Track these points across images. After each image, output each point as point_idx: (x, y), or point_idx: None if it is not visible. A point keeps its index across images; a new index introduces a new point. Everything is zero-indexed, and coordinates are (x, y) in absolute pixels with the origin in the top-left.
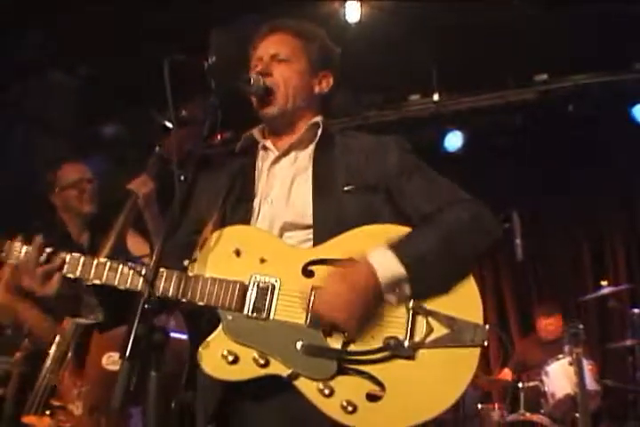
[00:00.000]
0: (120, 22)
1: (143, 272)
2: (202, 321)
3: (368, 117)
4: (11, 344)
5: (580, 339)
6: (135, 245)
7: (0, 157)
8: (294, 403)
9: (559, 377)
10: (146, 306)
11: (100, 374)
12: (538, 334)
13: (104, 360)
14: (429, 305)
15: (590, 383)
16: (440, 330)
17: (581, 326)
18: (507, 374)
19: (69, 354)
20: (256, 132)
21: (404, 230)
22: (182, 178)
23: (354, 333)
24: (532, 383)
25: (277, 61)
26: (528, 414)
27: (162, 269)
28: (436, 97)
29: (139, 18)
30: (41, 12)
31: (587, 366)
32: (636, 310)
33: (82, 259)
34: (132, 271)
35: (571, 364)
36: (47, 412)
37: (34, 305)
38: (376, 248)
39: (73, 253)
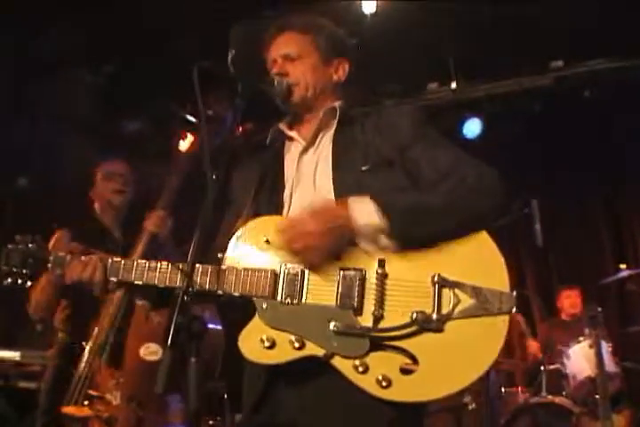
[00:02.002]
0: (142, 20)
1: (181, 267)
2: (236, 311)
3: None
4: (41, 340)
5: (599, 321)
6: None
7: (25, 155)
8: (332, 384)
9: (580, 360)
10: (185, 298)
11: (139, 365)
12: (559, 314)
13: (142, 351)
14: (454, 277)
15: (610, 365)
16: (467, 301)
17: (600, 309)
18: (532, 346)
19: (107, 345)
20: (282, 125)
21: None
22: (214, 176)
23: (308, 263)
24: (553, 366)
25: (290, 60)
26: (550, 397)
27: (197, 265)
28: (453, 85)
29: (159, 16)
30: (64, 10)
31: (606, 348)
32: None
33: (122, 263)
34: (169, 269)
35: (591, 346)
36: (85, 402)
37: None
38: (362, 197)
39: (114, 258)
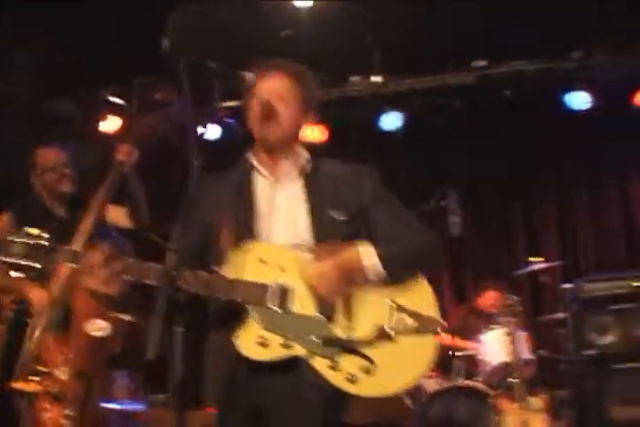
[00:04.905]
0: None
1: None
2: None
3: None
4: None
5: (515, 310)
6: (115, 214)
7: None
8: (300, 378)
9: (495, 346)
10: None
11: (85, 341)
12: (477, 305)
13: (88, 327)
14: (402, 302)
15: (525, 353)
16: (410, 321)
17: (516, 298)
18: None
19: (52, 321)
20: (251, 157)
21: None
22: (197, 164)
23: (333, 300)
24: (466, 352)
25: (278, 98)
26: (466, 382)
27: (205, 274)
28: (377, 78)
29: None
30: None
31: (522, 336)
32: (566, 285)
33: (139, 263)
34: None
35: (509, 334)
36: (35, 378)
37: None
38: (362, 244)
39: (131, 258)
